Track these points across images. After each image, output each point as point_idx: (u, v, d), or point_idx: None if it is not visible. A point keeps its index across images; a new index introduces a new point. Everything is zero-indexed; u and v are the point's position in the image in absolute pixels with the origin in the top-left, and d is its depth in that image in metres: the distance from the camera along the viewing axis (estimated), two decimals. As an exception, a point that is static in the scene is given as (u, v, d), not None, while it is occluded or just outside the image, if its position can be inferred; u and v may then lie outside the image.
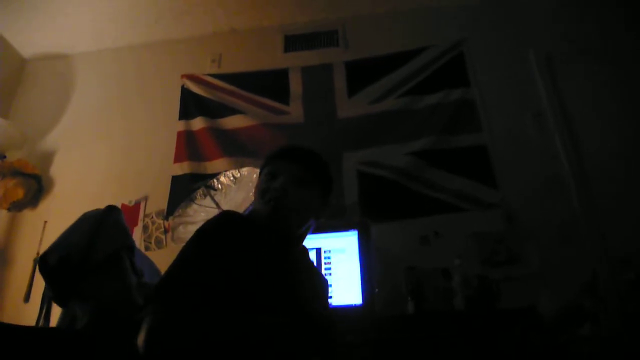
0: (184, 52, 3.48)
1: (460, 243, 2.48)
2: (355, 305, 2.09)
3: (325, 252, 2.24)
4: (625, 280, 2.25)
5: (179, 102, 3.25)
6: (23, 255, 2.87)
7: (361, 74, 3.13)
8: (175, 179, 2.96)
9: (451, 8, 3.24)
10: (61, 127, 3.33)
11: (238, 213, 1.22)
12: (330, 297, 2.11)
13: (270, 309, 1.05)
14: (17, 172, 3.01)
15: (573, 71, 2.91)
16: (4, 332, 1.07)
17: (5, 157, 3.11)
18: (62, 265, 1.31)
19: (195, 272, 1.04)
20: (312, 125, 3.01)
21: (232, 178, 2.62)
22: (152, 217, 2.87)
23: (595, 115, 2.78)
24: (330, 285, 2.12)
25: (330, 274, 2.18)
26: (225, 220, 1.17)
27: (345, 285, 2.15)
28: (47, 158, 3.21)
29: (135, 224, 2.82)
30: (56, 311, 1.53)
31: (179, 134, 3.12)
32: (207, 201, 2.58)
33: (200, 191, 2.62)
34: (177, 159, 3.03)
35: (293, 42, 3.36)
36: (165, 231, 2.79)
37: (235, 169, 2.69)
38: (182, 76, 3.33)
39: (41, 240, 2.83)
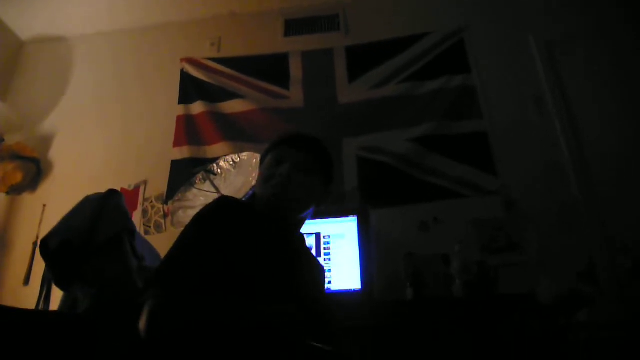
0: (183, 35, 3.45)
1: (460, 229, 2.48)
2: (354, 290, 2.09)
3: (324, 237, 2.24)
4: (623, 267, 2.27)
5: (179, 86, 3.23)
6: (22, 238, 2.87)
7: (362, 59, 3.11)
8: (175, 163, 2.95)
9: (452, -6, 3.22)
10: (60, 110, 3.31)
11: (235, 198, 1.22)
12: (330, 282, 2.12)
13: (267, 295, 1.05)
14: (15, 156, 3.00)
15: (573, 57, 2.90)
16: (13, 317, 1.07)
17: (3, 140, 3.09)
18: (64, 249, 1.31)
19: (195, 256, 1.04)
20: (312, 110, 3.00)
21: (231, 163, 2.61)
22: (152, 201, 2.86)
23: (595, 101, 2.77)
24: (329, 270, 2.14)
25: (329, 260, 2.19)
26: (223, 205, 1.17)
27: (344, 271, 2.15)
28: (46, 141, 3.19)
29: (135, 208, 2.82)
30: (55, 293, 1.54)
31: (179, 118, 3.10)
32: (207, 185, 2.58)
33: (199, 175, 2.62)
34: (177, 143, 3.02)
35: (293, 26, 3.33)
36: (165, 215, 2.79)
37: (235, 153, 2.69)
38: (182, 60, 3.30)
39: (40, 223, 2.83)
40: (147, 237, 2.36)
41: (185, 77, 3.25)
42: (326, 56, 3.16)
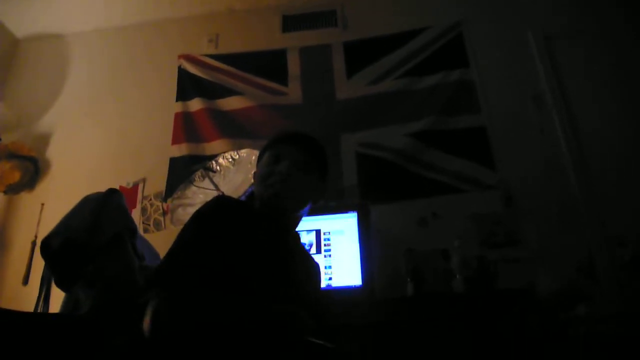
0: (180, 32, 3.43)
1: (459, 224, 2.49)
2: (354, 286, 2.10)
3: (324, 233, 2.24)
4: (622, 259, 2.28)
5: (176, 83, 3.21)
6: (21, 238, 2.86)
7: (360, 54, 3.10)
8: (174, 161, 2.94)
9: (450, -12, 3.20)
10: (56, 109, 3.29)
11: (232, 197, 1.24)
12: (331, 278, 2.12)
13: (264, 293, 1.06)
14: (12, 155, 2.99)
15: (571, 53, 2.90)
16: (15, 320, 1.07)
17: (0, 139, 3.08)
18: (65, 249, 1.30)
19: (195, 255, 1.05)
20: (310, 107, 2.99)
21: (230, 160, 2.61)
22: (151, 199, 2.86)
23: (594, 96, 2.78)
24: (330, 267, 2.14)
25: (330, 256, 2.19)
26: (221, 203, 1.19)
27: (344, 267, 2.15)
28: (43, 140, 3.18)
29: (134, 206, 2.81)
30: (55, 293, 1.53)
31: (177, 115, 3.09)
32: (206, 183, 2.58)
33: (198, 173, 2.62)
34: (175, 140, 3.01)
35: (291, 22, 3.32)
36: (164, 213, 2.78)
37: (233, 150, 2.68)
38: (179, 56, 3.29)
39: (39, 222, 2.82)
40: (147, 235, 2.37)
41: (182, 74, 3.23)
42: (324, 52, 3.15)
